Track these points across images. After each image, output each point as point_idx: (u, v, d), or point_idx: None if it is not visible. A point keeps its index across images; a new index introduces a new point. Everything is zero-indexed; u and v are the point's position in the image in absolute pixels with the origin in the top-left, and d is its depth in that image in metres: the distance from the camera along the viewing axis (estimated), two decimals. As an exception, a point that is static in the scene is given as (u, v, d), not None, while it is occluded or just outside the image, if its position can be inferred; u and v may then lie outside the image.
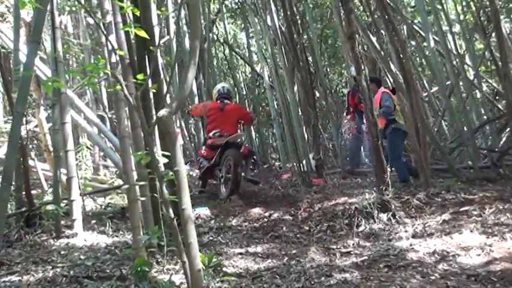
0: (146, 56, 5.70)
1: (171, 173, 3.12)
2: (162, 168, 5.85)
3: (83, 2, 11.75)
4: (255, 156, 9.75)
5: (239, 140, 8.97)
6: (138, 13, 4.27)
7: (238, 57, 21.05)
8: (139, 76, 3.45)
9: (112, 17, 5.39)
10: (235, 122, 9.42)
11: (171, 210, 3.10)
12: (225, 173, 8.71)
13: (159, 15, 8.96)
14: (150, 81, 4.73)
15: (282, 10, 11.23)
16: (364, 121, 9.07)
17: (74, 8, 11.80)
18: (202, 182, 9.72)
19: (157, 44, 9.68)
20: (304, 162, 9.89)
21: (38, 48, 5.42)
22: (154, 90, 4.10)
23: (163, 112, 2.77)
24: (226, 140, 8.70)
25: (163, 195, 3.07)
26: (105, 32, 3.95)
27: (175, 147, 2.92)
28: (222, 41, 19.52)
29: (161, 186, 3.06)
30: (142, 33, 3.48)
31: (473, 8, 11.75)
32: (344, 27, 8.58)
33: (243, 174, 8.78)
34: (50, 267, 4.87)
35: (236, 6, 19.07)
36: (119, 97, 5.14)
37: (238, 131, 9.47)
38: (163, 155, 3.65)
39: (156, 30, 9.57)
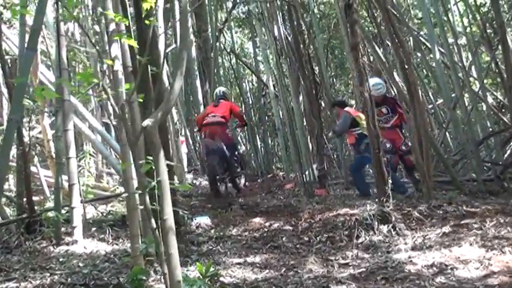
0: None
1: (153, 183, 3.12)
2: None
3: (84, 11, 11.84)
4: (236, 153, 11.22)
5: (219, 146, 10.09)
6: (126, 22, 4.27)
7: (245, 67, 21.11)
8: (126, 85, 3.46)
9: (116, 26, 5.40)
10: (228, 110, 10.69)
11: (153, 221, 3.10)
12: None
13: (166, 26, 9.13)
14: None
15: (288, 20, 11.28)
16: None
17: (80, 16, 11.87)
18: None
19: (163, 52, 9.79)
20: (307, 172, 9.90)
21: (34, 55, 5.45)
22: (140, 100, 4.08)
23: (147, 122, 2.78)
24: (207, 149, 10.20)
25: (147, 206, 3.07)
26: (93, 41, 3.96)
27: (159, 157, 2.93)
28: (228, 50, 19.59)
29: (144, 197, 3.07)
30: (133, 43, 3.50)
31: (479, 21, 11.73)
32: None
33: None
34: (48, 274, 4.88)
35: (243, 16, 19.17)
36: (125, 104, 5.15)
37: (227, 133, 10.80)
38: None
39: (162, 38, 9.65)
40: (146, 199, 3.07)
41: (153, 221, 3.10)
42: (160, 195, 2.94)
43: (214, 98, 11.22)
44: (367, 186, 9.18)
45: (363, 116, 9.07)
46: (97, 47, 4.54)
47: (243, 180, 11.57)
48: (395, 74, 9.65)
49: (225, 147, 10.21)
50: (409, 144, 8.92)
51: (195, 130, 12.67)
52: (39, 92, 3.28)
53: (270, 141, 18.92)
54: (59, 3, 5.61)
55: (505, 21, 10.51)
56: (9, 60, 8.40)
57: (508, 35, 10.62)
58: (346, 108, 9.62)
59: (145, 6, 3.21)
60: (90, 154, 9.47)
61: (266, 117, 19.12)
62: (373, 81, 9.14)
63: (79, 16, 11.81)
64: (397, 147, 8.92)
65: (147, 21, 3.24)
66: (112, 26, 5.39)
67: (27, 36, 7.12)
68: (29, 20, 7.84)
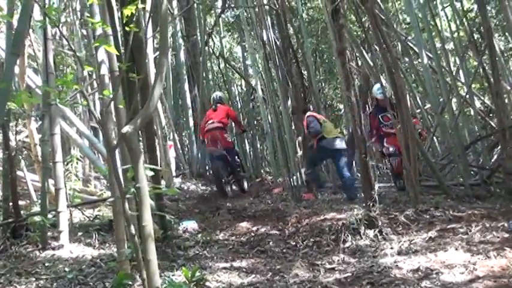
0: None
1: (132, 189, 3.11)
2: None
3: (71, 14, 11.80)
4: (237, 158, 11.95)
5: (222, 152, 11.04)
6: (109, 29, 4.27)
7: (234, 71, 21.14)
8: (106, 92, 3.46)
9: (102, 30, 5.38)
10: (225, 115, 11.54)
11: (132, 227, 3.09)
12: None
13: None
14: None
15: (277, 25, 11.30)
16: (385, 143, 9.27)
17: (68, 19, 11.83)
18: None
19: (151, 57, 9.77)
20: (295, 176, 9.91)
21: (17, 60, 5.42)
22: (121, 106, 4.08)
23: (127, 128, 2.77)
24: (212, 156, 11.12)
25: (126, 212, 3.06)
26: (73, 47, 3.95)
27: (138, 163, 2.93)
28: (217, 54, 19.59)
29: (123, 203, 3.06)
30: (113, 50, 3.50)
31: (467, 26, 11.78)
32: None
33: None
34: (34, 279, 4.87)
35: (232, 20, 19.19)
36: (108, 110, 5.13)
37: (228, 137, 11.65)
38: (150, 169, 3.68)
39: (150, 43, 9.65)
40: (125, 205, 3.06)
41: (132, 227, 3.09)
42: (139, 201, 2.94)
43: (212, 102, 12.11)
44: (318, 180, 10.31)
45: (323, 118, 9.95)
46: (82, 52, 4.53)
47: (245, 182, 12.20)
48: (382, 78, 9.66)
49: (225, 152, 11.15)
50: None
51: (200, 141, 12.96)
52: (19, 98, 3.27)
53: (258, 145, 18.94)
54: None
55: (492, 27, 10.57)
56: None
57: (495, 40, 10.68)
58: (308, 113, 10.17)
59: (126, 12, 3.20)
60: (77, 158, 9.42)
61: (255, 122, 19.14)
62: (377, 85, 9.18)
63: (66, 20, 11.79)
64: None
65: (127, 28, 3.21)
66: (99, 30, 5.39)
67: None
68: (16, 24, 7.83)
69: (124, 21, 3.47)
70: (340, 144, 9.40)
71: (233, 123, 12.81)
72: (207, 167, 14.39)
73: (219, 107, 11.66)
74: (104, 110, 3.16)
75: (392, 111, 8.55)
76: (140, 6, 3.26)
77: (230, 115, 11.77)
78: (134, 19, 3.66)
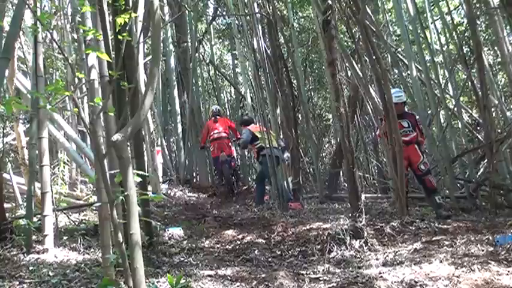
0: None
1: (121, 197, 3.10)
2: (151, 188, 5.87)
3: (62, 18, 11.76)
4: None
5: (227, 158, 13.09)
6: (100, 37, 4.27)
7: (223, 78, 21.15)
8: (97, 100, 3.46)
9: (94, 36, 5.36)
10: (226, 127, 13.54)
11: (120, 234, 3.08)
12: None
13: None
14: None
15: (268, 33, 11.33)
16: None
17: (59, 23, 11.79)
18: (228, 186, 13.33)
19: (143, 62, 9.75)
20: (281, 185, 9.91)
21: (7, 64, 5.41)
22: (111, 114, 4.07)
23: (117, 136, 2.77)
24: (220, 160, 13.05)
25: (114, 219, 3.05)
26: (65, 55, 3.95)
27: (127, 172, 2.93)
28: (207, 61, 19.60)
29: (111, 210, 3.05)
30: (105, 56, 3.50)
31: (456, 39, 11.84)
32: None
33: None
34: (17, 282, 4.82)
35: (223, 28, 19.21)
36: (98, 116, 5.11)
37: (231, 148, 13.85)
38: (138, 175, 3.67)
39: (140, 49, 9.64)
40: (114, 213, 3.05)
41: (119, 234, 3.08)
42: (127, 209, 2.93)
43: (211, 114, 14.14)
44: (262, 197, 10.95)
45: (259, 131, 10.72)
46: (72, 55, 4.52)
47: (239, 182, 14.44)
48: (372, 89, 9.68)
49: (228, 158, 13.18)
50: (428, 163, 8.73)
51: (199, 147, 14.53)
52: (9, 104, 3.25)
53: (246, 153, 18.89)
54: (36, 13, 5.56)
55: (481, 41, 10.64)
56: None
57: (484, 54, 10.75)
58: (250, 126, 11.36)
59: (120, 21, 3.20)
60: (64, 162, 9.38)
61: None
62: (395, 89, 9.16)
63: (57, 23, 11.75)
64: (415, 166, 8.51)
65: (120, 36, 3.21)
66: (90, 35, 5.37)
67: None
68: (7, 26, 7.80)
69: (117, 30, 3.47)
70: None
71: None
72: (194, 173, 14.78)
73: (218, 118, 13.58)
74: (95, 118, 3.14)
75: (408, 120, 8.57)
76: (133, 15, 3.26)
77: (231, 126, 13.80)
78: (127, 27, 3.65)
